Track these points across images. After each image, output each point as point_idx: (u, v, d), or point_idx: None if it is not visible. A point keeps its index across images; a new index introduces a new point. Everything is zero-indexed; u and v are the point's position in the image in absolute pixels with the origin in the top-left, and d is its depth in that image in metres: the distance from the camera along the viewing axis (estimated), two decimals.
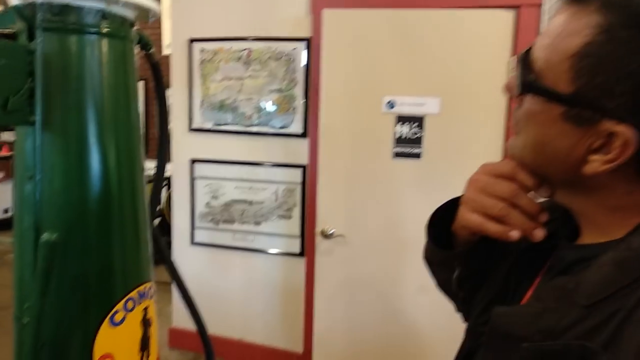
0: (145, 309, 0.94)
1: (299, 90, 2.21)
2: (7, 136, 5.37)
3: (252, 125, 2.29)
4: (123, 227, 0.92)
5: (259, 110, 2.27)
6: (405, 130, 2.00)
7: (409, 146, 2.01)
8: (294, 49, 2.18)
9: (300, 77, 2.19)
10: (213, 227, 2.43)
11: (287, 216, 2.32)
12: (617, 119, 0.46)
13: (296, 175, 2.27)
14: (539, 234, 0.56)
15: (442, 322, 2.08)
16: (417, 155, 2.01)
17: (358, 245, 2.13)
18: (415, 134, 1.99)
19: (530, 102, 0.52)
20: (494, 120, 1.97)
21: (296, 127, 2.23)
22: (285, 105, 2.24)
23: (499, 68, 1.93)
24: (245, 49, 2.25)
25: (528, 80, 0.51)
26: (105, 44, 0.86)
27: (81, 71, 0.85)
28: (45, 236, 0.73)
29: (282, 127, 2.26)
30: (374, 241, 2.12)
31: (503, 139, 1.97)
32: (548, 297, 0.50)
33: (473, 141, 1.99)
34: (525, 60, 0.52)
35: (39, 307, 0.74)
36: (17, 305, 0.84)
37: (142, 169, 0.96)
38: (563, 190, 0.55)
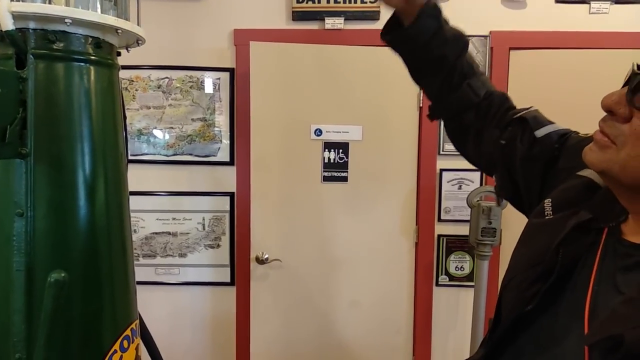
0: (137, 347, 0.90)
1: (224, 119, 2.22)
2: None
3: (175, 154, 2.23)
4: (115, 261, 0.87)
5: (182, 139, 2.23)
6: (332, 155, 2.13)
7: (336, 170, 2.14)
8: (218, 78, 2.20)
9: (225, 106, 2.21)
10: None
11: (215, 245, 2.28)
12: None
13: (224, 203, 2.25)
14: None
15: (372, 332, 2.26)
16: (345, 179, 2.14)
17: (293, 267, 2.18)
18: (342, 159, 2.14)
19: None
20: (407, 144, 2.20)
21: (222, 155, 2.23)
22: (209, 133, 2.23)
23: (410, 100, 2.19)
24: (165, 77, 2.21)
25: None
26: (94, 71, 0.84)
27: (72, 99, 0.81)
28: (54, 275, 0.68)
29: (207, 156, 2.24)
30: (308, 262, 2.18)
31: (416, 161, 2.21)
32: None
33: (391, 164, 2.19)
34: None
35: (44, 353, 0.67)
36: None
37: (128, 198, 0.93)
38: (629, 194, 0.58)
